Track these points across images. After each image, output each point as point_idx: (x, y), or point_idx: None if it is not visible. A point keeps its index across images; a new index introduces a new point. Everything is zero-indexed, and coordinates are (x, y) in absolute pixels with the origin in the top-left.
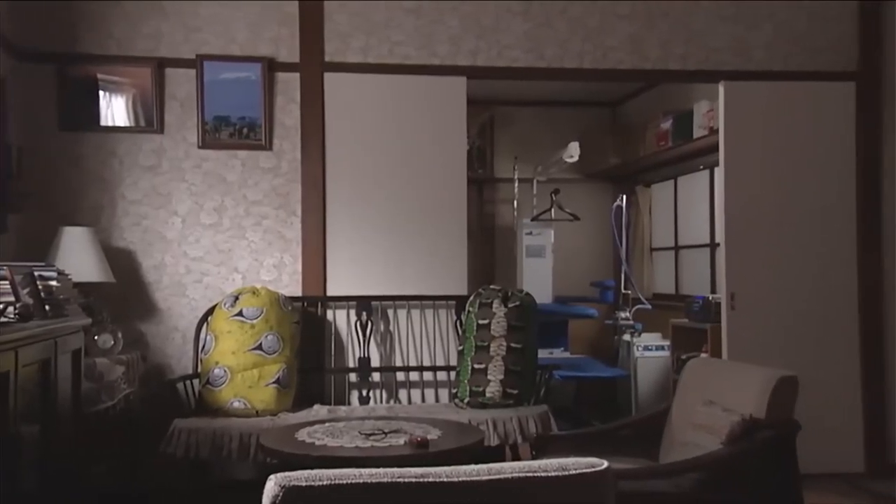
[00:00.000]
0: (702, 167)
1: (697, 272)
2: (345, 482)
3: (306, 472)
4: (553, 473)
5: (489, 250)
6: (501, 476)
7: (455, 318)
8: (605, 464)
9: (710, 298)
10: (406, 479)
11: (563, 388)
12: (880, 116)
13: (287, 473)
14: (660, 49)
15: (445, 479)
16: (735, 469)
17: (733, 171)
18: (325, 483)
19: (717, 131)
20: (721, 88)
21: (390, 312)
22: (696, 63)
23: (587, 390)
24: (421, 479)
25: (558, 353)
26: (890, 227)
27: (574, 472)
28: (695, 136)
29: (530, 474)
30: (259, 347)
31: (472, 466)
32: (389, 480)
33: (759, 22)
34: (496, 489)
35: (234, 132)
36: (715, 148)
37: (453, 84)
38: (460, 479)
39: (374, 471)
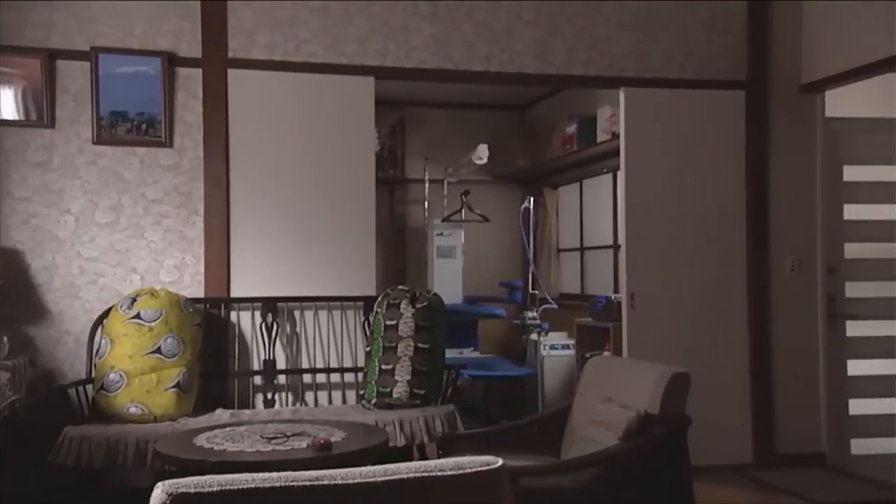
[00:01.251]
0: (605, 171)
1: (602, 272)
2: (236, 487)
3: (196, 479)
4: (449, 472)
5: (400, 251)
6: (397, 477)
7: (363, 318)
8: (500, 462)
9: (613, 298)
10: (300, 483)
11: (473, 387)
12: (767, 123)
13: (175, 480)
14: (564, 54)
15: (340, 482)
16: (631, 463)
17: (633, 175)
18: (215, 489)
19: (619, 136)
20: (622, 94)
21: (297, 313)
22: (599, 69)
23: (496, 389)
24: (315, 483)
25: (468, 353)
26: (777, 229)
27: (469, 470)
28: (598, 140)
29: (426, 474)
30: (158, 351)
31: (369, 468)
32: (283, 484)
33: (656, 31)
34: (393, 490)
35: (131, 128)
36: (618, 152)
37: (362, 84)
38: (356, 480)
39: (267, 475)
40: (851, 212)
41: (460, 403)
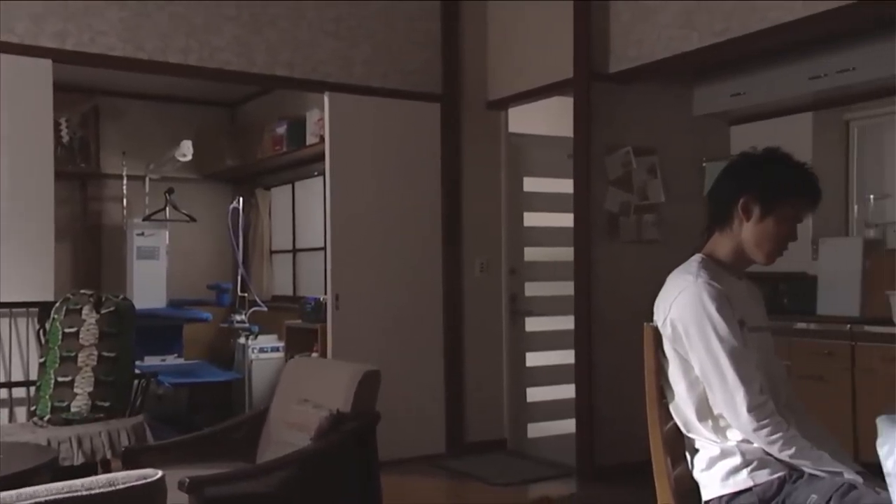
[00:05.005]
0: (316, 173)
1: (314, 274)
2: None
3: None
4: (98, 490)
5: (95, 252)
6: (34, 501)
7: (38, 326)
8: (159, 474)
9: (322, 299)
10: None
11: (176, 395)
12: (459, 135)
13: None
14: (267, 54)
15: None
16: (322, 462)
17: (338, 179)
18: None
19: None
20: (326, 99)
21: None
22: (303, 72)
23: (202, 396)
24: None
25: (171, 360)
26: (468, 233)
27: (123, 486)
28: (308, 142)
29: (71, 495)
30: None
31: (1, 494)
32: None
33: (359, 40)
34: None
35: None
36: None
37: (36, 66)
38: None
39: None
40: (530, 219)
41: (160, 413)
